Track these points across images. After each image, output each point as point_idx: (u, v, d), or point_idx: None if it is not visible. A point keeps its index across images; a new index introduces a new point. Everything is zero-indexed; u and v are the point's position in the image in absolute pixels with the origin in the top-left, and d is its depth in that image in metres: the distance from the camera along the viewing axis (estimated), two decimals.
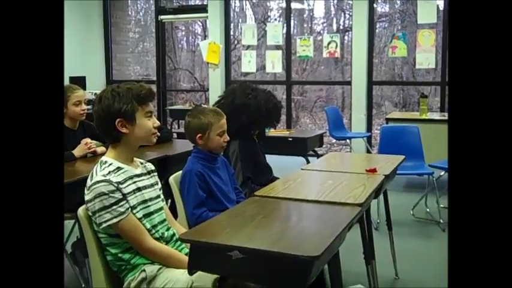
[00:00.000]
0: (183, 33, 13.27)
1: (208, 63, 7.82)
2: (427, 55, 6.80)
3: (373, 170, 2.74)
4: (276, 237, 1.74)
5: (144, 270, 1.92)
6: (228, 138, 2.56)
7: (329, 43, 7.28)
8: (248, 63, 7.74)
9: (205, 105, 6.31)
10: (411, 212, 4.64)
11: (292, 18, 8.08)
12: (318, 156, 5.31)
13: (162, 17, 8.18)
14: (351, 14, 9.57)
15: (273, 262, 1.61)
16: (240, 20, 11.79)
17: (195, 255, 1.72)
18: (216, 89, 7.79)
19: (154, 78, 8.83)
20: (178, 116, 7.73)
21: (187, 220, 2.42)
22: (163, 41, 8.59)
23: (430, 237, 4.14)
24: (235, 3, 11.15)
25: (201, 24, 12.16)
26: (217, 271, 1.74)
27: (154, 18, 8.56)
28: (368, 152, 6.84)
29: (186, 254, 2.01)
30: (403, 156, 3.23)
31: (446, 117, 5.80)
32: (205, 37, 11.52)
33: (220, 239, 1.75)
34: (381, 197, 3.04)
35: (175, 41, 12.54)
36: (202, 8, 8.06)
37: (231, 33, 8.50)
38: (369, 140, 7.11)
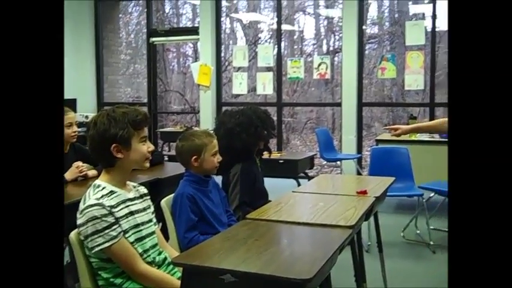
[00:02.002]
0: (174, 54, 13.37)
1: (199, 85, 7.86)
2: (416, 76, 6.90)
3: (364, 192, 2.76)
4: (268, 260, 1.75)
5: None
6: (221, 158, 2.59)
7: (319, 64, 7.36)
8: (239, 85, 7.79)
9: (196, 128, 6.34)
10: (401, 234, 4.65)
11: (282, 39, 8.16)
12: (309, 178, 5.33)
13: (154, 39, 8.25)
14: (340, 35, 9.71)
15: (265, 285, 1.62)
16: (231, 42, 11.91)
17: (187, 278, 1.72)
18: (207, 111, 7.82)
19: (145, 100, 8.87)
20: (169, 138, 7.75)
21: (178, 243, 2.43)
22: (154, 63, 8.64)
23: (420, 258, 4.15)
24: (225, 25, 11.28)
25: (192, 46, 12.26)
26: None
27: (145, 40, 8.63)
28: (358, 173, 6.87)
29: (178, 278, 2.02)
30: (393, 178, 3.26)
31: (435, 139, 5.87)
32: (196, 59, 11.61)
33: (212, 262, 1.75)
34: (372, 218, 3.06)
35: (166, 62, 12.62)
36: (194, 30, 8.14)
37: (222, 55, 8.57)
38: (359, 161, 7.16)
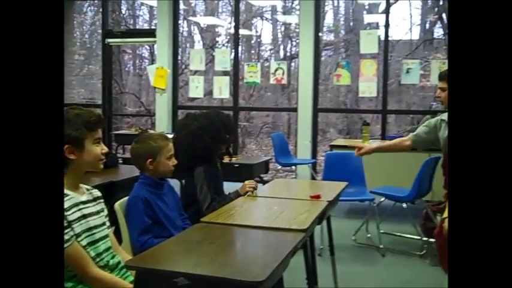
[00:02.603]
0: (130, 56, 13.21)
1: (155, 88, 7.80)
2: (369, 84, 7.06)
3: (317, 196, 2.82)
4: (222, 263, 1.77)
5: None
6: (176, 161, 2.59)
7: (276, 70, 7.43)
8: (195, 89, 7.77)
9: (152, 131, 6.30)
10: (353, 238, 4.75)
11: (240, 44, 8.20)
12: (264, 182, 5.37)
13: (109, 40, 8.13)
14: (297, 41, 9.82)
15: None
16: (188, 45, 11.87)
17: (140, 282, 1.72)
18: (163, 114, 7.77)
19: (99, 102, 8.72)
20: (124, 141, 7.65)
21: (131, 247, 2.41)
22: (109, 64, 8.52)
23: (370, 262, 4.26)
24: (183, 28, 11.24)
25: (148, 48, 12.15)
26: None
27: (100, 40, 8.50)
28: (313, 178, 6.97)
29: (131, 282, 2.01)
30: (346, 183, 3.33)
31: None
32: (152, 61, 11.51)
33: (166, 266, 1.76)
34: (324, 222, 3.12)
35: (122, 64, 12.45)
36: (150, 33, 8.07)
37: (179, 58, 8.53)
38: (313, 166, 7.26)
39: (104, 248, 2.02)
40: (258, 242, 2.14)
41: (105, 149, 2.06)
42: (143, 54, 13.13)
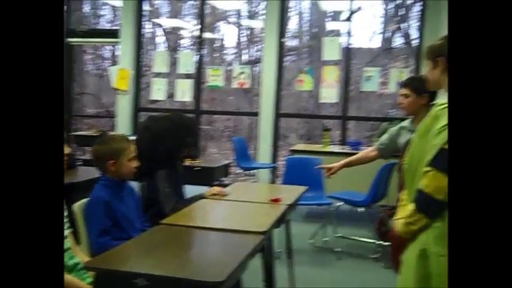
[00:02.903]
0: (90, 57, 13.02)
1: (116, 89, 7.73)
2: (331, 90, 7.19)
3: (277, 200, 2.88)
4: (181, 264, 1.80)
5: None
6: (138, 163, 2.60)
7: (240, 73, 7.49)
8: (158, 91, 7.74)
9: (113, 133, 6.24)
10: (310, 241, 4.84)
11: (204, 47, 8.21)
12: (224, 186, 5.38)
13: (71, 39, 8.01)
14: (260, 46, 9.88)
15: None
16: (150, 47, 11.78)
17: (100, 283, 1.74)
18: (124, 115, 7.70)
19: None
20: (84, 142, 7.52)
21: (90, 248, 2.40)
22: (70, 64, 8.39)
23: (327, 265, 4.35)
24: (146, 29, 11.15)
25: (109, 48, 12.01)
26: None
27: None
28: (273, 182, 7.05)
29: (89, 284, 2.02)
30: (305, 187, 3.40)
31: (345, 150, 6.17)
32: (114, 62, 11.39)
33: (125, 267, 1.79)
34: (283, 226, 3.17)
35: (83, 64, 12.26)
36: (113, 33, 7.99)
37: (143, 59, 8.47)
38: (274, 170, 7.33)
39: None
40: (218, 243, 2.17)
41: (68, 150, 2.07)
42: (104, 55, 12.97)
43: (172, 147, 2.99)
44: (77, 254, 2.12)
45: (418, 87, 3.20)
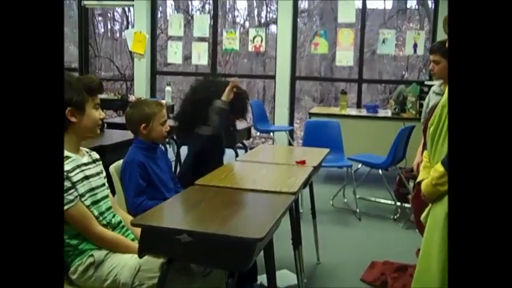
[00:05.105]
0: (100, 18, 12.94)
1: (132, 52, 7.76)
2: (346, 53, 7.18)
3: (303, 162, 2.95)
4: (221, 221, 1.89)
5: (92, 255, 1.99)
6: (169, 127, 2.67)
7: (254, 37, 7.47)
8: (174, 54, 7.76)
9: (132, 96, 6.30)
10: (331, 202, 4.94)
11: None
12: (246, 148, 5.48)
13: (86, 2, 7.99)
14: (272, 8, 9.79)
15: (219, 244, 1.75)
16: (160, 9, 11.68)
17: (145, 239, 1.83)
18: (141, 79, 7.75)
19: (74, 66, 8.62)
20: (104, 106, 7.59)
21: (127, 208, 2.51)
22: (86, 27, 8.40)
23: (347, 225, 4.46)
24: None
25: (118, 11, 11.94)
26: (166, 254, 1.85)
27: (71, 1, 8.34)
28: (290, 144, 7.13)
29: (132, 240, 2.12)
30: (328, 149, 3.47)
31: (362, 114, 6.22)
32: (127, 25, 11.35)
33: (169, 223, 1.88)
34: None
35: (96, 27, 12.22)
36: None
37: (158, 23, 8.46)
38: (290, 133, 7.40)
39: (105, 207, 2.11)
40: (252, 203, 2.26)
41: (103, 115, 2.15)
42: (115, 17, 12.89)
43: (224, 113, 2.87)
44: (118, 212, 2.22)
45: (447, 52, 3.20)
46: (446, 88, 2.11)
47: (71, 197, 1.93)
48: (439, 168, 1.97)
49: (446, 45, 2.23)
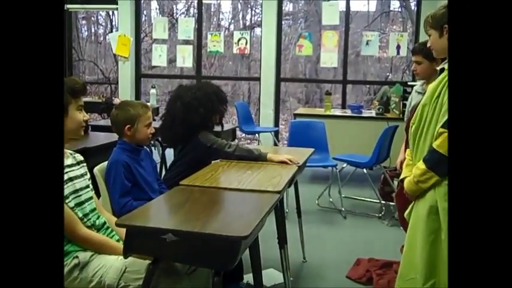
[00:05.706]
0: (84, 22, 12.89)
1: (117, 55, 7.73)
2: (331, 55, 7.23)
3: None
4: (206, 220, 1.90)
5: (76, 257, 1.99)
6: (154, 130, 2.67)
7: (239, 39, 7.49)
8: (159, 57, 7.75)
9: (116, 99, 6.28)
10: (316, 202, 4.97)
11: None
12: None
13: (69, 6, 7.95)
14: (257, 11, 9.83)
15: (205, 243, 1.76)
16: (145, 12, 11.66)
17: (130, 239, 1.83)
18: (126, 82, 7.72)
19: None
20: (88, 109, 7.55)
21: (112, 209, 2.50)
22: (70, 30, 8.35)
23: (333, 223, 4.49)
24: None
25: (102, 14, 11.91)
26: (151, 254, 1.86)
27: None
28: (275, 145, 7.15)
29: (117, 241, 2.12)
30: (312, 149, 3.49)
31: (347, 114, 6.26)
32: (111, 28, 11.31)
33: (154, 223, 1.88)
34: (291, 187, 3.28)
35: (79, 31, 12.17)
36: None
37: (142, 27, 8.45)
38: (276, 134, 7.43)
39: (90, 209, 2.11)
40: (237, 202, 2.27)
41: (87, 116, 2.15)
42: (99, 21, 12.84)
43: (205, 114, 3.02)
44: (102, 213, 2.21)
45: (429, 53, 3.24)
46: (428, 87, 2.14)
47: None
48: (421, 165, 2.00)
49: (428, 45, 2.27)
